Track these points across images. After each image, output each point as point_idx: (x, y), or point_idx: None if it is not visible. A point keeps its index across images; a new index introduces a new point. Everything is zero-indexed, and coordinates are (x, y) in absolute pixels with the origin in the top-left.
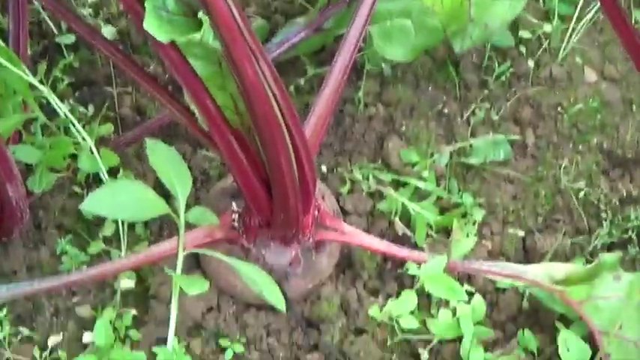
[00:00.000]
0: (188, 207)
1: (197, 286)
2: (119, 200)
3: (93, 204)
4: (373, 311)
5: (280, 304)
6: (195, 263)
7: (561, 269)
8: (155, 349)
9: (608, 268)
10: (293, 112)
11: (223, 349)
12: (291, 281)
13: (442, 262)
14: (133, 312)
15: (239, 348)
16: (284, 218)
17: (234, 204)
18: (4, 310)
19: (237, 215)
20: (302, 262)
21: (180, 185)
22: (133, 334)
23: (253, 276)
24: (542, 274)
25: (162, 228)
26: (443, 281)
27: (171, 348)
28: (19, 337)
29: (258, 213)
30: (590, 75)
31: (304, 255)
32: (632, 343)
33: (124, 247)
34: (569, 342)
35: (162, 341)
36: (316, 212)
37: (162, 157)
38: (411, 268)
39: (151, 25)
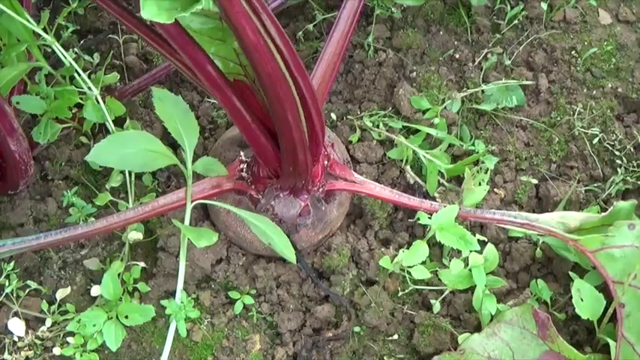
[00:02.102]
0: (196, 157)
1: (206, 239)
2: (125, 151)
3: (99, 155)
4: (384, 262)
5: (291, 255)
6: (204, 215)
7: (575, 217)
8: (163, 302)
9: (623, 216)
10: (299, 64)
11: (233, 301)
12: (301, 232)
13: (453, 211)
14: (142, 265)
15: (249, 300)
16: (293, 170)
17: (242, 153)
18: (12, 264)
19: (245, 165)
20: (312, 212)
21: (188, 136)
22: (142, 287)
23: (263, 227)
24: (555, 222)
25: (170, 178)
26: (454, 231)
27: (179, 301)
28: (27, 291)
29: (266, 165)
30: (605, 17)
31: (314, 205)
32: None
33: (131, 198)
34: (582, 292)
35: (171, 294)
36: (326, 161)
37: (170, 107)
38: (422, 218)
39: (149, 13)
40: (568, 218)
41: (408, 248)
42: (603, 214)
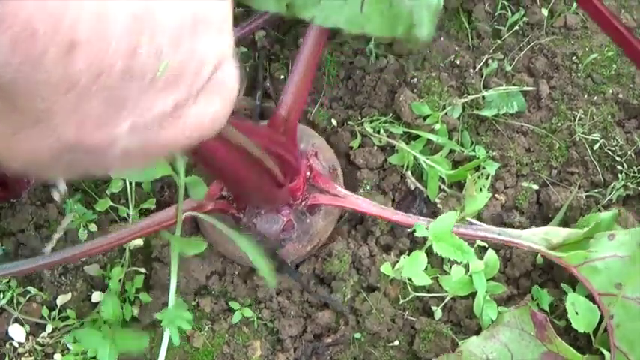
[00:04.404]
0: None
1: (195, 247)
2: None
3: None
4: (385, 268)
5: (271, 281)
6: (197, 231)
7: (559, 234)
8: (158, 314)
9: (604, 228)
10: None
11: (233, 310)
12: (287, 246)
13: (449, 220)
14: (143, 271)
15: (248, 312)
16: (260, 202)
17: None
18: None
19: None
20: (295, 226)
21: None
22: (143, 297)
23: (247, 246)
24: (538, 239)
25: (163, 189)
26: (451, 241)
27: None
28: (27, 297)
29: (235, 190)
30: None
31: (297, 218)
32: (633, 300)
33: (131, 204)
34: (577, 305)
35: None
36: (308, 172)
37: None
38: (419, 229)
39: None
40: (551, 234)
41: (409, 254)
42: (586, 228)
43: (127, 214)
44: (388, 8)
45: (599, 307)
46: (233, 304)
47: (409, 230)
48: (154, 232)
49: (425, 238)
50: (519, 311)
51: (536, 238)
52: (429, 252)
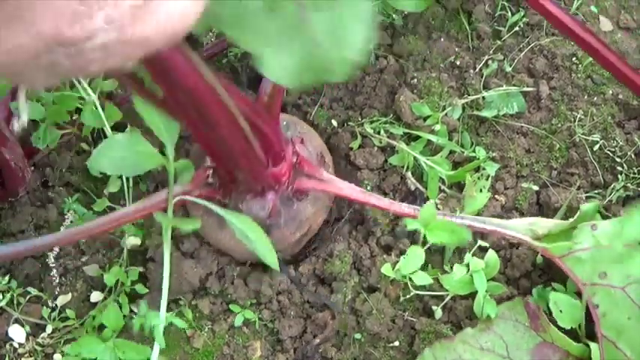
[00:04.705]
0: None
1: (189, 224)
2: (116, 155)
3: (96, 161)
4: (385, 269)
5: (273, 262)
6: None
7: (545, 225)
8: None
9: (588, 219)
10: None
11: (232, 310)
12: (274, 233)
13: (432, 206)
14: (141, 270)
15: (249, 314)
16: (244, 178)
17: (207, 159)
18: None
19: (211, 171)
20: (282, 212)
21: (168, 133)
22: (139, 288)
23: (244, 229)
24: (524, 229)
25: (157, 187)
26: (442, 226)
27: (163, 316)
28: (27, 298)
29: (222, 170)
30: (606, 24)
31: (284, 204)
32: (619, 289)
33: (129, 203)
34: (559, 303)
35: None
36: (294, 158)
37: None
38: (410, 224)
39: None
40: (537, 225)
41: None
42: (570, 219)
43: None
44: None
45: (583, 298)
46: (234, 307)
47: (409, 230)
48: (145, 216)
49: (426, 238)
50: (513, 303)
51: (521, 228)
52: (429, 251)
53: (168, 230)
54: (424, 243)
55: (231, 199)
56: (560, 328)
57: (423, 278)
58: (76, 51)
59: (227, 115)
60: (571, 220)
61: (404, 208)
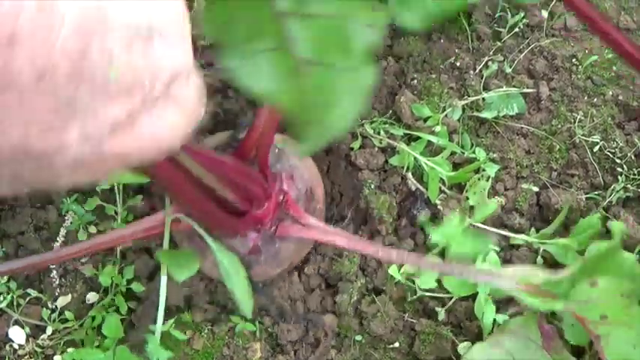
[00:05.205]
0: None
1: (187, 267)
2: None
3: None
4: (393, 270)
5: (247, 310)
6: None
7: (540, 276)
8: (148, 335)
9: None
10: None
11: (230, 316)
12: (255, 268)
13: (458, 221)
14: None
15: (250, 326)
16: (215, 226)
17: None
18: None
19: None
20: (263, 250)
21: None
22: (136, 286)
23: (228, 267)
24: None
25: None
26: (468, 238)
27: (159, 334)
28: (27, 299)
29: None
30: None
31: (266, 243)
32: (620, 324)
33: (119, 203)
34: (570, 319)
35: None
36: (281, 196)
37: None
38: (435, 234)
39: None
40: (532, 277)
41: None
42: (570, 271)
43: (115, 212)
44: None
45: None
46: (235, 319)
47: (412, 230)
48: (142, 238)
49: (425, 239)
50: (525, 319)
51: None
52: (429, 251)
53: (164, 268)
54: (428, 249)
55: (211, 235)
56: (572, 347)
57: (428, 281)
58: (45, 164)
59: (201, 193)
60: (569, 272)
61: (393, 255)
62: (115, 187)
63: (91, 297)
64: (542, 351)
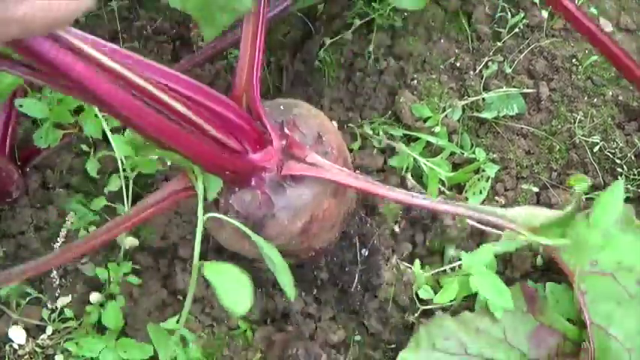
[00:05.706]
0: None
1: (242, 301)
2: None
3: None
4: (393, 271)
5: (290, 293)
6: None
7: (541, 215)
8: (149, 326)
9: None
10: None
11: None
12: (269, 226)
13: (487, 253)
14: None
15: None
16: (217, 167)
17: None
18: None
19: None
20: (274, 199)
21: None
22: (133, 279)
23: (269, 254)
24: (522, 220)
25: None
26: (488, 277)
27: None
28: (27, 299)
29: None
30: (606, 25)
31: (275, 192)
32: (609, 275)
33: (127, 203)
34: (555, 293)
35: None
36: (283, 141)
37: None
38: (465, 258)
39: None
40: (533, 216)
41: (410, 258)
42: (567, 209)
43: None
44: None
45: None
46: (242, 324)
47: (411, 232)
48: (144, 220)
49: (425, 239)
50: (512, 289)
51: (519, 220)
52: (432, 253)
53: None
54: (428, 249)
55: (221, 195)
56: None
57: (427, 293)
58: None
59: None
60: (567, 209)
61: (401, 195)
62: (124, 188)
63: (93, 297)
64: (528, 315)
